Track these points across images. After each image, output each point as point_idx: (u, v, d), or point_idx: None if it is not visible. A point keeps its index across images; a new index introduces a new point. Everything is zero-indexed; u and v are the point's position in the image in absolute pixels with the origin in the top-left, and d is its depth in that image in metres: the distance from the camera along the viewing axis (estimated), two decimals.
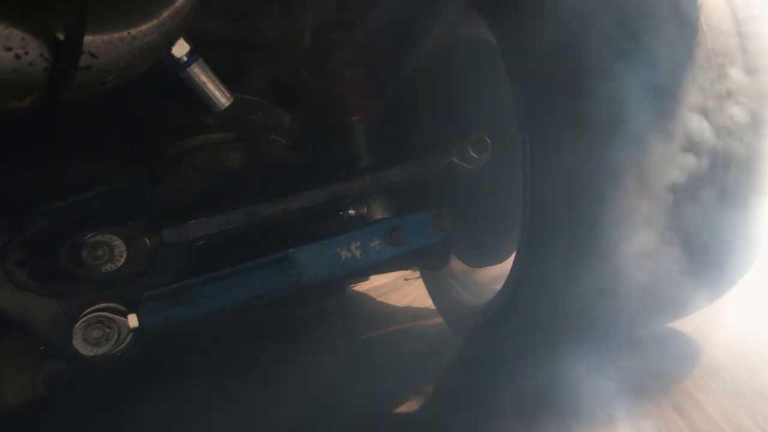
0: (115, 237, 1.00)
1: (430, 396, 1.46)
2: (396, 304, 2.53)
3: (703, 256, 1.07)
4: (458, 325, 1.69)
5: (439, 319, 1.88)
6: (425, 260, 1.49)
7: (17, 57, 0.56)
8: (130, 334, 1.07)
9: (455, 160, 1.29)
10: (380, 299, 2.66)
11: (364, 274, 1.51)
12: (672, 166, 0.99)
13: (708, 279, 1.13)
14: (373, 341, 2.03)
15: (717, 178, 1.02)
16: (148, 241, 1.04)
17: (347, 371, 1.69)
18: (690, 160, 0.99)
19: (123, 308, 1.07)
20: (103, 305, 1.06)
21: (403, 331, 2.11)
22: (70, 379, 1.18)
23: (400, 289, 2.73)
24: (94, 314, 1.05)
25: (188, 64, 0.88)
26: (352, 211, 1.32)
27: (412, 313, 2.32)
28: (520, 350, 1.38)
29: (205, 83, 0.91)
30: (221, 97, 0.94)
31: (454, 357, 1.70)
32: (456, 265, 1.76)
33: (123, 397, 1.64)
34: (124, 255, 1.01)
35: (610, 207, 0.99)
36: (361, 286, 2.79)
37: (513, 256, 1.27)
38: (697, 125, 0.98)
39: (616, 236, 1.01)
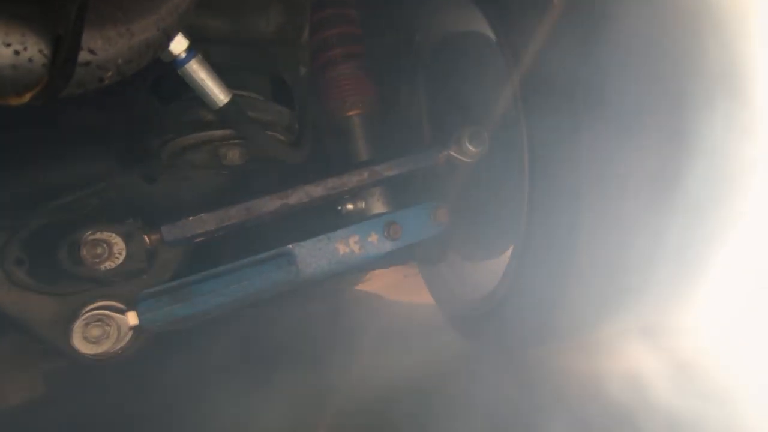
0: (113, 235, 1.00)
1: (428, 390, 1.46)
2: (395, 299, 2.53)
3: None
4: (456, 319, 1.70)
5: (437, 313, 1.89)
6: (423, 254, 1.49)
7: (16, 53, 0.56)
8: (130, 332, 1.07)
9: (452, 152, 1.29)
10: (379, 294, 2.66)
11: (362, 269, 1.52)
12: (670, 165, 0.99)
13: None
14: (372, 337, 2.03)
15: None
16: (147, 238, 1.04)
17: (347, 368, 1.70)
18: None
19: (122, 306, 1.07)
20: (102, 303, 1.06)
21: (401, 325, 2.11)
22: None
23: (400, 286, 2.73)
24: (93, 312, 1.04)
25: (186, 60, 0.87)
26: (350, 206, 1.32)
27: (411, 309, 2.32)
28: (518, 344, 1.39)
29: (203, 80, 0.90)
30: (220, 93, 0.93)
31: (452, 350, 1.70)
32: (454, 258, 1.76)
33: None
34: (123, 253, 1.00)
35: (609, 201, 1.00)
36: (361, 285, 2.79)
37: (510, 250, 1.28)
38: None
39: (617, 231, 1.01)
